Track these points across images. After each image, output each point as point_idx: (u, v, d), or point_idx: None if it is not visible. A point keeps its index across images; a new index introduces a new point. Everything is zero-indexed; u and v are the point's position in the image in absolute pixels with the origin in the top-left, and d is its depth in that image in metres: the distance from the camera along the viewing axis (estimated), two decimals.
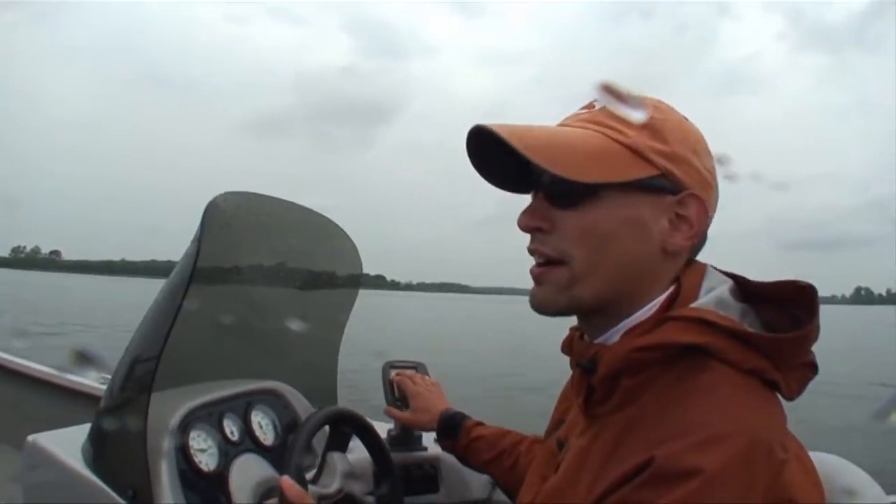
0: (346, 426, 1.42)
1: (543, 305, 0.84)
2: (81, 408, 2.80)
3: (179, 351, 1.23)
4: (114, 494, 1.14)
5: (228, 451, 1.35)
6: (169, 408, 1.28)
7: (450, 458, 1.89)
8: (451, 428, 1.46)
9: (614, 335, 0.82)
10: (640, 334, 0.77)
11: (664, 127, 0.81)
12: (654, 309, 0.81)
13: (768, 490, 0.64)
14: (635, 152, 0.79)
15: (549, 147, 0.78)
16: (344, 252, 1.74)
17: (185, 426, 1.27)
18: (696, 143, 0.83)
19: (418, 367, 2.00)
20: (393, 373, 1.94)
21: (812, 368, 0.78)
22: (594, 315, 0.84)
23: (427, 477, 1.84)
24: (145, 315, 1.28)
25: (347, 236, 1.71)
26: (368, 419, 1.73)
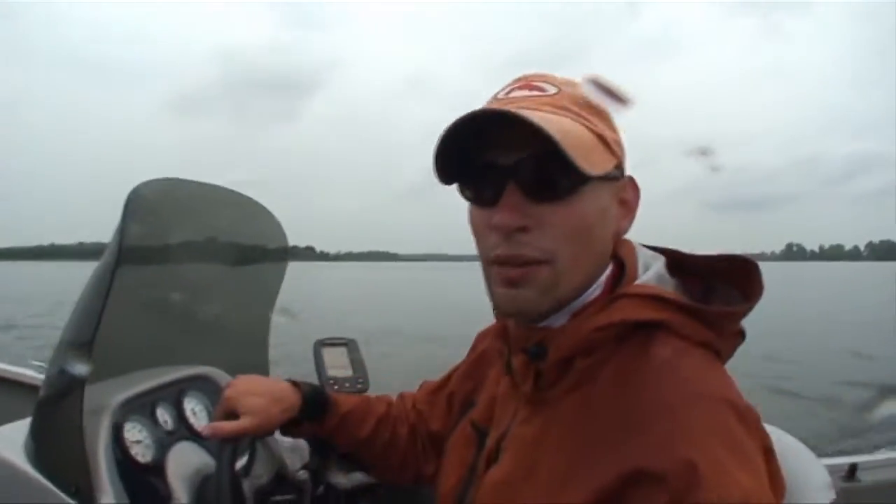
0: None
1: (524, 311, 0.79)
2: (24, 400, 2.69)
3: (110, 341, 1.21)
4: (58, 491, 1.12)
5: (164, 441, 1.33)
6: (103, 400, 1.26)
7: None
8: (317, 406, 1.17)
9: (560, 318, 0.80)
10: (593, 314, 0.76)
11: (607, 115, 0.81)
12: (600, 288, 0.81)
13: (757, 440, 0.66)
14: (604, 142, 0.78)
15: (565, 135, 0.71)
16: (268, 229, 1.72)
17: (119, 418, 1.25)
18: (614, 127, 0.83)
19: (349, 344, 2.00)
20: (324, 349, 1.95)
21: (741, 335, 0.80)
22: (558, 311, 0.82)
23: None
24: (74, 307, 1.25)
25: (271, 213, 1.70)
26: None
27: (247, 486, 1.21)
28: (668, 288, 0.79)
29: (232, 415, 1.10)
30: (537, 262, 0.76)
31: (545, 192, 0.75)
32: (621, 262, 0.83)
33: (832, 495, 0.86)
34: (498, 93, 0.82)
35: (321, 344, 1.95)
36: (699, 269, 0.84)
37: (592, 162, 0.73)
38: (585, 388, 0.75)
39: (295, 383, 1.17)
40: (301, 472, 1.33)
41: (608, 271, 0.82)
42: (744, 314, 0.78)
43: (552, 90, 0.80)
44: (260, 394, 1.11)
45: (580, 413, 0.74)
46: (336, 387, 1.88)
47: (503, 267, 0.77)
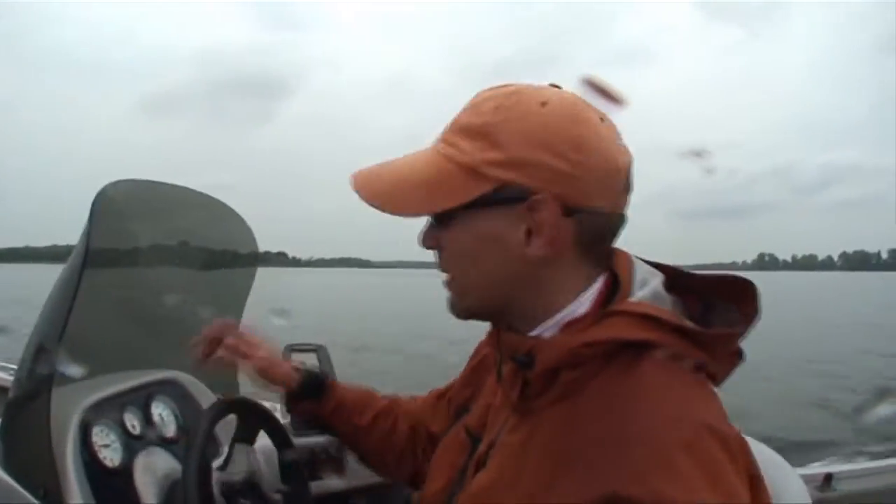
0: (247, 415, 1.41)
1: (452, 311, 0.87)
2: None
3: (78, 344, 1.20)
4: (27, 494, 1.10)
5: (131, 446, 1.32)
6: (71, 403, 1.24)
7: None
8: (314, 387, 1.29)
9: (550, 329, 0.80)
10: (583, 328, 0.76)
11: (501, 131, 0.77)
12: (590, 302, 0.80)
13: (742, 470, 0.65)
14: (468, 169, 0.78)
15: (392, 190, 0.82)
16: (238, 233, 1.72)
17: (87, 421, 1.24)
18: (549, 136, 0.76)
19: (319, 350, 2.00)
20: (293, 355, 1.94)
21: (739, 356, 0.78)
22: (503, 318, 0.85)
23: (333, 461, 1.86)
24: (42, 308, 1.23)
25: (240, 217, 1.69)
26: (269, 404, 1.72)
27: (217, 481, 1.20)
28: (665, 306, 0.77)
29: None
30: (446, 274, 0.86)
31: (435, 221, 0.84)
32: (616, 275, 0.81)
33: None
34: None
35: (290, 349, 1.95)
36: (697, 288, 0.82)
37: (430, 198, 0.80)
38: (571, 400, 0.75)
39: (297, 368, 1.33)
40: (276, 494, 1.33)
41: (599, 284, 0.81)
42: (738, 336, 0.76)
43: (454, 119, 0.84)
44: (268, 350, 1.33)
45: (564, 425, 0.73)
46: None
47: None
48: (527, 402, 0.80)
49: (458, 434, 1.00)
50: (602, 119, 0.79)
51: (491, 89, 0.82)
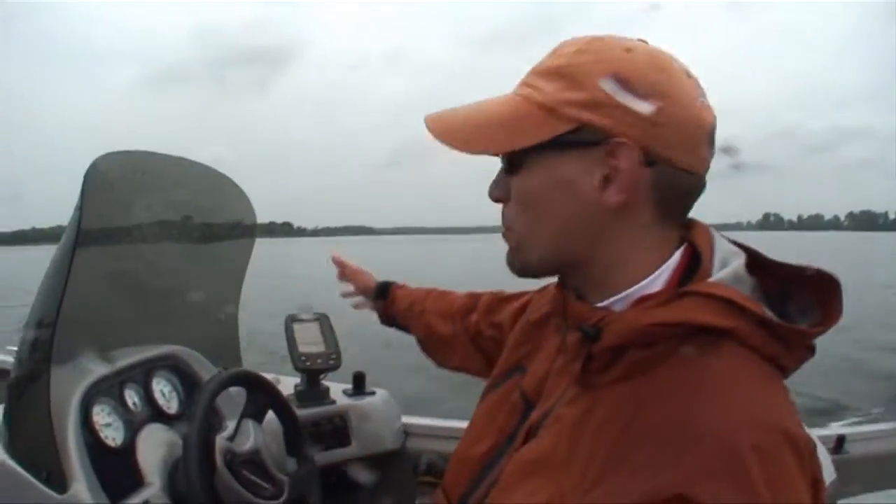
0: (250, 388, 1.40)
1: (512, 266, 0.84)
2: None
3: (74, 321, 1.18)
4: (30, 477, 1.09)
5: (133, 423, 1.31)
6: (70, 383, 1.22)
7: (359, 410, 1.91)
8: (383, 287, 1.54)
9: (620, 302, 0.76)
10: (655, 306, 0.71)
11: (582, 71, 0.74)
12: (665, 276, 0.76)
13: (808, 475, 0.62)
14: (548, 109, 0.75)
15: (465, 127, 0.79)
16: (235, 203, 1.68)
17: (87, 401, 1.22)
18: (633, 79, 0.73)
19: (321, 319, 1.99)
20: (295, 325, 1.92)
21: (812, 351, 0.73)
22: (570, 278, 0.82)
23: (337, 431, 1.86)
24: (39, 287, 1.20)
25: (238, 187, 1.66)
26: (272, 375, 1.71)
27: (222, 450, 1.20)
28: (745, 289, 0.72)
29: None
30: (507, 226, 0.83)
31: (506, 167, 0.81)
32: (696, 251, 0.77)
33: (832, 474, 0.84)
34: None
35: (292, 320, 1.93)
36: (778, 275, 0.77)
37: (507, 136, 0.76)
38: (636, 381, 0.70)
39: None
40: (283, 476, 1.32)
41: (676, 257, 0.77)
42: (819, 334, 0.71)
43: (529, 69, 0.81)
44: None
45: (626, 407, 0.69)
46: (308, 363, 1.87)
47: None
48: (589, 377, 0.76)
49: (509, 395, 0.94)
50: (688, 74, 0.76)
51: (573, 39, 0.79)
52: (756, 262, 0.77)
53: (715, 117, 0.76)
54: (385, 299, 1.52)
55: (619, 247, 0.76)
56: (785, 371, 0.71)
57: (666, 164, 0.73)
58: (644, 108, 0.72)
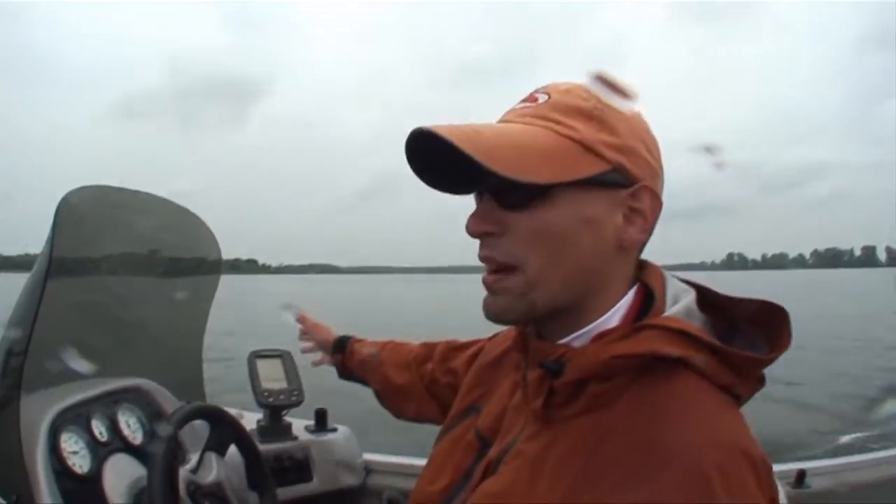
0: (213, 422, 1.42)
1: (499, 316, 0.81)
2: None
3: (44, 352, 1.20)
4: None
5: (99, 452, 1.32)
6: (40, 410, 1.24)
7: (320, 446, 1.92)
8: (341, 342, 1.53)
9: (580, 339, 0.78)
10: (615, 340, 0.74)
11: (612, 117, 0.77)
12: (621, 312, 0.79)
13: (766, 493, 0.65)
14: (586, 147, 0.76)
15: (499, 149, 0.73)
16: (202, 240, 1.72)
17: (55, 429, 1.23)
18: (644, 133, 0.80)
19: (283, 356, 2.01)
20: (258, 361, 1.95)
21: (762, 382, 0.77)
22: (550, 319, 0.81)
23: (299, 466, 1.87)
24: (10, 316, 1.23)
25: (203, 223, 1.70)
26: (236, 410, 1.73)
27: (185, 480, 1.22)
28: (696, 324, 0.75)
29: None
30: (508, 267, 0.77)
31: (511, 199, 0.77)
32: (648, 289, 0.81)
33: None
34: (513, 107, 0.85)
35: (255, 356, 1.96)
36: (726, 308, 0.81)
37: (550, 168, 0.73)
38: (598, 414, 0.73)
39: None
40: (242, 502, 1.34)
41: (630, 295, 0.80)
42: (770, 362, 0.75)
43: (543, 98, 0.81)
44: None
45: (589, 438, 0.71)
46: (271, 399, 1.89)
47: (485, 270, 0.81)
48: (550, 412, 0.77)
49: (464, 435, 0.97)
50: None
51: (571, 83, 0.82)
52: (706, 300, 0.80)
53: None
54: (343, 353, 1.52)
55: (605, 286, 0.79)
56: (738, 400, 0.75)
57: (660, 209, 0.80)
58: (652, 160, 0.79)
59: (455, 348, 1.30)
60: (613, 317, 0.78)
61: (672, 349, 0.70)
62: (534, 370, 0.80)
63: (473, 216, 0.79)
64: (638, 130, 0.79)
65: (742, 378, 0.74)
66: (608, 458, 0.68)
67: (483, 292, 0.82)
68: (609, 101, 0.78)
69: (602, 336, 0.75)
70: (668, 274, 0.83)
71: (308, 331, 1.61)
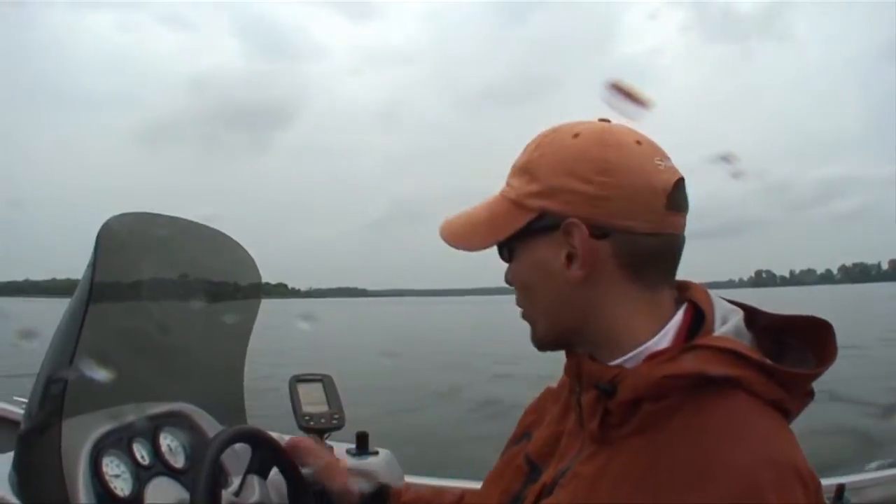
0: (254, 445, 1.42)
1: (533, 342, 0.92)
2: (5, 434, 2.66)
3: (85, 376, 1.21)
4: None
5: (141, 476, 1.33)
6: (81, 434, 1.25)
7: (362, 470, 1.90)
8: (378, 497, 1.27)
9: (632, 360, 0.81)
10: (666, 360, 0.76)
11: (538, 164, 0.85)
12: (671, 334, 0.81)
13: None
14: (515, 203, 0.86)
15: (463, 230, 0.92)
16: (241, 264, 1.74)
17: (97, 452, 1.25)
18: (575, 163, 0.81)
19: (324, 380, 2.01)
20: (299, 385, 1.95)
21: (811, 395, 0.79)
22: (579, 345, 0.87)
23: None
24: (51, 341, 1.25)
25: (243, 248, 1.72)
26: (277, 434, 1.73)
27: (233, 501, 1.22)
28: (745, 342, 0.78)
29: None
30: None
31: (505, 257, 0.91)
32: (698, 309, 0.83)
33: None
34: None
35: (296, 380, 1.96)
36: (773, 325, 0.83)
37: (490, 231, 0.89)
38: (652, 433, 0.74)
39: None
40: None
41: (679, 316, 0.83)
42: (817, 376, 0.77)
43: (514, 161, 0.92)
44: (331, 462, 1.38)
45: (644, 457, 0.73)
46: (311, 422, 1.89)
47: None
48: (606, 432, 0.79)
49: (514, 459, 0.99)
50: (639, 142, 0.82)
51: (539, 134, 0.89)
52: (752, 319, 0.82)
53: (676, 178, 0.81)
54: None
55: (607, 312, 0.83)
56: (788, 415, 0.77)
57: (624, 232, 0.80)
58: (586, 187, 0.80)
59: None
60: (665, 338, 0.81)
61: (721, 369, 0.73)
62: (588, 392, 0.83)
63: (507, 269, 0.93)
64: (566, 164, 0.81)
65: (791, 394, 0.76)
66: (662, 476, 0.70)
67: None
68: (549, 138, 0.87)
69: (654, 357, 0.78)
70: (713, 294, 0.85)
71: (315, 468, 1.36)
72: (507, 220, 0.86)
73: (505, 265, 0.92)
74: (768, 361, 0.75)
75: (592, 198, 0.79)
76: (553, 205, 0.81)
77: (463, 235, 0.91)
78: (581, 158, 0.81)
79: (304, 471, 1.36)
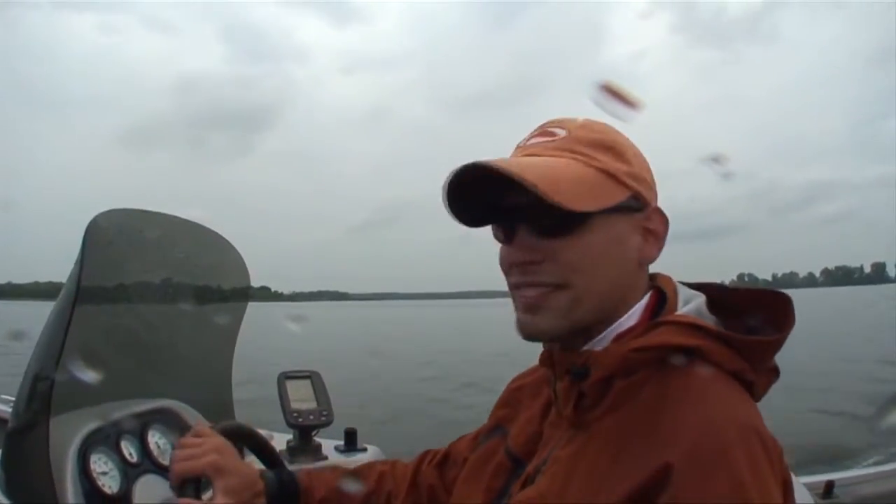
0: (240, 441, 1.42)
1: (544, 332, 0.86)
2: None
3: (73, 374, 1.20)
4: None
5: (129, 473, 1.33)
6: (69, 432, 1.25)
7: (350, 466, 1.92)
8: (289, 495, 1.17)
9: (602, 341, 0.84)
10: (633, 338, 0.80)
11: (623, 148, 0.86)
12: (638, 315, 0.86)
13: (777, 474, 0.70)
14: (611, 176, 0.83)
15: (551, 180, 0.78)
16: (231, 264, 1.73)
17: (84, 449, 1.25)
18: (646, 161, 0.89)
19: (313, 377, 2.02)
20: (287, 382, 1.95)
21: (776, 373, 0.84)
22: (577, 334, 0.85)
23: None
24: (38, 339, 1.24)
25: (234, 248, 1.71)
26: (265, 431, 1.73)
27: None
28: (708, 320, 0.82)
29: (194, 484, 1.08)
30: (554, 285, 0.83)
31: (554, 228, 0.82)
32: (662, 293, 0.88)
33: None
34: (521, 141, 0.91)
35: (285, 377, 1.97)
36: (739, 305, 0.85)
37: (592, 197, 0.81)
38: (624, 408, 0.78)
39: (262, 474, 1.17)
40: None
41: (646, 300, 0.87)
42: (775, 344, 0.81)
43: (562, 133, 0.87)
44: (237, 474, 1.11)
45: (617, 431, 0.77)
46: (300, 419, 1.89)
47: (521, 289, 0.85)
48: (582, 415, 0.83)
49: (492, 456, 1.00)
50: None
51: (580, 119, 0.90)
52: (715, 303, 0.87)
53: None
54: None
55: (630, 295, 0.87)
56: (752, 388, 0.80)
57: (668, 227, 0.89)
58: (653, 185, 0.89)
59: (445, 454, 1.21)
60: (631, 318, 0.86)
61: (684, 339, 0.78)
62: (562, 380, 0.86)
63: (513, 248, 0.86)
64: (642, 159, 0.89)
65: (752, 364, 0.79)
66: (632, 443, 0.74)
67: (505, 315, 0.88)
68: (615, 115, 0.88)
69: (621, 336, 0.83)
70: (678, 282, 0.90)
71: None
72: (604, 191, 0.82)
73: (494, 255, 0.89)
74: (724, 331, 0.80)
75: (656, 195, 0.89)
76: (643, 189, 0.86)
77: (558, 190, 0.77)
78: (645, 159, 0.90)
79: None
